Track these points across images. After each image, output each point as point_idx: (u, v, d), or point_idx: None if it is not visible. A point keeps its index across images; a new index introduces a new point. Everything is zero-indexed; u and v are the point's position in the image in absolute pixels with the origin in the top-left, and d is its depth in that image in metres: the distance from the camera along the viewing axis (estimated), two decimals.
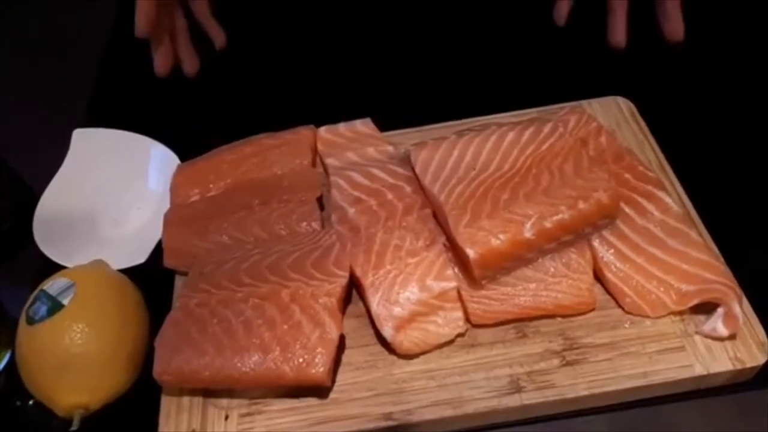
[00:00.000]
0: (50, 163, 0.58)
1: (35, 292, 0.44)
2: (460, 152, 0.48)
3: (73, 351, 0.42)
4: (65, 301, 0.43)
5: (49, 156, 0.59)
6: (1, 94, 0.66)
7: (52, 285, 0.44)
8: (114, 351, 0.43)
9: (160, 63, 0.59)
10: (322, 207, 0.52)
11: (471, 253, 0.42)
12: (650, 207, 0.46)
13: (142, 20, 0.56)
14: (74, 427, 0.41)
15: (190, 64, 0.61)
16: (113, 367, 0.43)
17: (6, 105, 0.63)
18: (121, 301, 0.45)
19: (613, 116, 0.56)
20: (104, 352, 0.42)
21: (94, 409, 0.42)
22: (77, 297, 0.43)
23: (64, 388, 0.42)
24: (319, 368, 0.40)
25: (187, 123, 0.64)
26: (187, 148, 0.58)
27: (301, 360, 0.40)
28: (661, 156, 0.53)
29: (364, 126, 0.57)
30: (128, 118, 0.61)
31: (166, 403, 0.43)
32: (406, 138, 0.57)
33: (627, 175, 0.48)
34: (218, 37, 0.63)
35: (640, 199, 0.47)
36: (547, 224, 0.43)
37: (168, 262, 0.50)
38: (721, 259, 0.45)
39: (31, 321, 0.43)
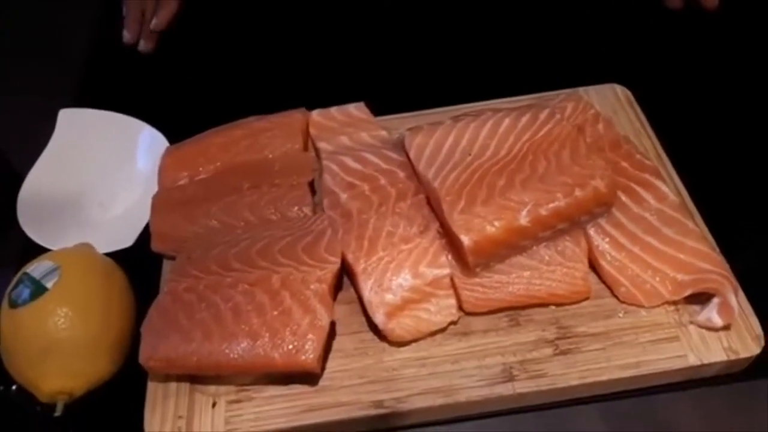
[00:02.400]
0: (36, 144, 0.57)
1: (18, 275, 0.43)
2: (456, 137, 0.47)
3: (57, 336, 0.41)
4: (49, 285, 0.42)
5: (34, 137, 0.57)
6: None
7: (36, 268, 0.43)
8: (99, 336, 0.42)
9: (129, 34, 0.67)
10: (313, 191, 0.51)
11: (465, 240, 0.41)
12: (647, 195, 0.46)
13: None
14: (57, 413, 0.40)
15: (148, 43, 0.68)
16: (98, 353, 0.42)
17: None
18: (107, 285, 0.44)
19: (610, 104, 0.55)
20: (89, 337, 0.41)
21: (78, 395, 0.41)
22: (62, 281, 0.42)
23: (48, 373, 0.41)
24: (309, 355, 0.39)
25: (175, 105, 0.63)
26: (175, 130, 0.57)
27: (290, 347, 0.39)
28: (658, 144, 0.52)
29: (357, 110, 0.56)
30: (116, 100, 0.60)
31: (152, 389, 0.42)
32: (399, 123, 0.56)
33: (624, 163, 0.48)
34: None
35: (636, 188, 0.46)
36: (543, 212, 0.42)
37: (156, 246, 0.48)
38: (717, 249, 0.45)
39: (13, 304, 0.41)
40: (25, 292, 0.42)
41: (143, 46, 0.67)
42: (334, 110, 0.56)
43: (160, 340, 0.41)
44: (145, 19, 0.68)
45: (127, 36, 0.67)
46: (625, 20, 0.66)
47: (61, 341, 0.41)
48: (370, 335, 0.44)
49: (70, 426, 0.42)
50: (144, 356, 0.41)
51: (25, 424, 0.43)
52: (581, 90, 0.56)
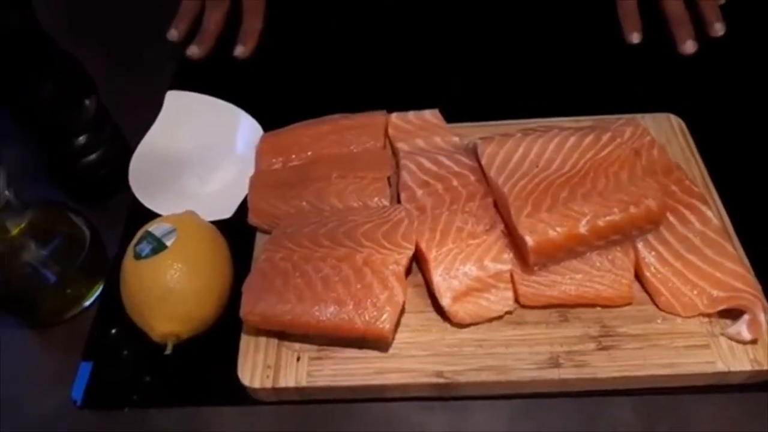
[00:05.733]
0: (144, 120, 0.64)
1: (141, 232, 0.50)
2: (525, 150, 0.53)
3: (171, 286, 0.47)
4: (168, 243, 0.49)
5: (142, 113, 0.65)
6: (105, 57, 0.72)
7: (157, 228, 0.50)
8: (205, 289, 0.49)
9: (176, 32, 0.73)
10: (389, 185, 0.57)
11: (529, 240, 0.47)
12: (692, 218, 0.51)
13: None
14: (167, 352, 0.47)
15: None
16: (203, 303, 0.49)
17: (108, 67, 0.69)
18: (213, 247, 0.51)
19: (665, 132, 0.60)
20: (197, 290, 0.48)
21: (184, 338, 0.48)
22: (178, 240, 0.49)
23: (161, 317, 0.48)
24: (385, 324, 0.46)
25: (269, 96, 0.69)
26: (267, 118, 0.64)
27: (371, 315, 0.46)
28: (706, 173, 0.57)
29: (432, 116, 0.62)
30: (217, 86, 0.67)
31: (245, 340, 0.49)
32: (468, 131, 0.61)
33: (674, 188, 0.53)
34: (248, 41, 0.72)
35: (683, 210, 0.51)
36: (600, 223, 0.48)
37: (252, 219, 0.55)
38: (752, 271, 0.49)
39: (137, 257, 0.49)
40: (148, 248, 0.49)
41: (240, 51, 0.72)
42: (411, 114, 0.62)
43: (259, 299, 0.47)
44: (206, 28, 0.72)
45: (173, 34, 0.72)
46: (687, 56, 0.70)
47: (174, 291, 0.47)
48: (435, 315, 0.50)
49: (177, 363, 0.49)
50: (244, 311, 0.47)
51: (139, 359, 0.50)
52: (639, 116, 0.61)
